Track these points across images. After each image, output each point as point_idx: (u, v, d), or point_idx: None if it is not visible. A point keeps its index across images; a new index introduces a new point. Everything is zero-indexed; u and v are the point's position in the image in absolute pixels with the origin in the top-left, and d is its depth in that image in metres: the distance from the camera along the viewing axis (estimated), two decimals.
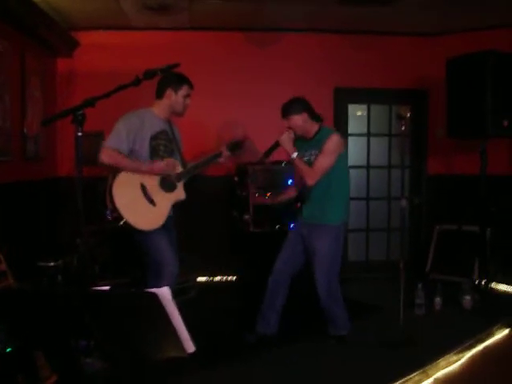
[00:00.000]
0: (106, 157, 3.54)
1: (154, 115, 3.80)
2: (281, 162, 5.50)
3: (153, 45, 6.10)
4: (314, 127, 4.17)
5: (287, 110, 4.12)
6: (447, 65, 5.46)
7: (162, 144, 3.79)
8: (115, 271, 5.41)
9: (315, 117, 4.19)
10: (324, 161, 4.01)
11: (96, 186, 4.62)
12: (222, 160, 4.03)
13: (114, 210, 3.52)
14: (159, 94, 3.83)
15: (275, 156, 4.31)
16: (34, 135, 5.40)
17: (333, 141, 4.02)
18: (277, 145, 4.10)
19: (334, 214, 4.14)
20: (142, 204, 3.63)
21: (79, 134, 2.35)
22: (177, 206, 3.89)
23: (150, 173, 3.67)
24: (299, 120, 4.09)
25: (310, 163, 4.07)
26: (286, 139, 4.06)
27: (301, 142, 4.20)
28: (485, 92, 5.04)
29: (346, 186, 4.25)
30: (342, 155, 4.12)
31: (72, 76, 6.12)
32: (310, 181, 4.02)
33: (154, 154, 3.73)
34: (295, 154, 4.03)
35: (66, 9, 5.41)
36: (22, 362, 2.82)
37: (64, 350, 1.98)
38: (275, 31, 6.37)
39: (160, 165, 3.70)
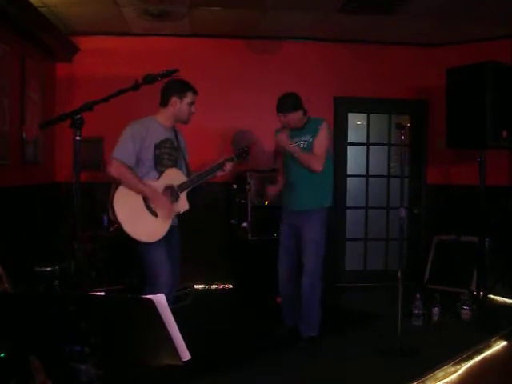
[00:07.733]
0: (113, 169, 3.49)
1: (158, 123, 3.74)
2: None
3: (153, 50, 6.11)
4: (304, 120, 4.33)
5: (286, 106, 4.22)
6: (447, 75, 5.46)
7: (167, 153, 3.72)
8: (112, 277, 5.39)
9: (306, 111, 4.35)
10: (323, 145, 4.20)
11: (94, 192, 4.60)
12: (221, 173, 3.94)
13: (116, 221, 3.48)
14: (164, 102, 3.77)
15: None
16: (33, 139, 5.39)
17: (326, 127, 4.24)
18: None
19: (322, 199, 4.32)
20: (143, 215, 3.57)
21: (77, 138, 2.32)
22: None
23: (151, 197, 3.61)
24: (296, 116, 4.24)
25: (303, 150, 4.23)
26: (284, 138, 4.17)
27: (290, 132, 4.32)
28: (484, 103, 5.04)
29: (331, 171, 4.40)
30: None
31: (71, 81, 6.12)
32: (318, 167, 4.17)
33: (158, 162, 3.67)
34: (296, 148, 4.18)
35: (67, 14, 5.42)
36: (16, 367, 2.79)
37: (58, 355, 1.96)
38: (275, 39, 6.39)
39: (162, 199, 3.63)
